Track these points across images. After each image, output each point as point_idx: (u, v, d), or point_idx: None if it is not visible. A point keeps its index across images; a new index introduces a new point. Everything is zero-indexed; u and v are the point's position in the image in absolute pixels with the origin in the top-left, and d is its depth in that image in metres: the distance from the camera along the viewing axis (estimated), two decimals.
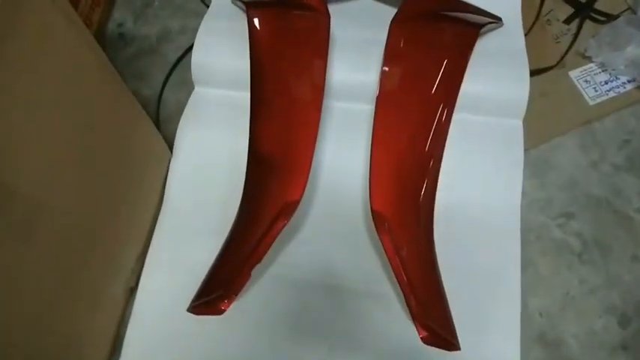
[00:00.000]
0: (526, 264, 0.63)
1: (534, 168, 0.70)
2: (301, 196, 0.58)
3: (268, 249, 0.57)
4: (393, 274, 0.56)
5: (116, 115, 0.56)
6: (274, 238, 0.57)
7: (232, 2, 0.75)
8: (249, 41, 0.68)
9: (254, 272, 0.57)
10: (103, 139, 0.54)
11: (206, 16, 0.74)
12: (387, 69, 0.64)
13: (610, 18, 0.77)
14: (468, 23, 0.69)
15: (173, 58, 0.77)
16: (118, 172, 0.59)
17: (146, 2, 0.81)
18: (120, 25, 0.79)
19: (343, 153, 0.68)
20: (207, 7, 0.77)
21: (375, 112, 0.63)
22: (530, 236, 0.66)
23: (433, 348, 0.56)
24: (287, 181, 0.61)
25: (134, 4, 0.81)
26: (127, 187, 0.61)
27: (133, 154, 0.61)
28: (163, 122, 0.73)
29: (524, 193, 0.65)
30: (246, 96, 0.66)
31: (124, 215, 0.61)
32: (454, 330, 0.57)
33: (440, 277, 0.60)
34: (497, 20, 0.72)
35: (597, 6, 0.78)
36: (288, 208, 0.58)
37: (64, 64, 0.45)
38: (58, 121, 0.46)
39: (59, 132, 0.47)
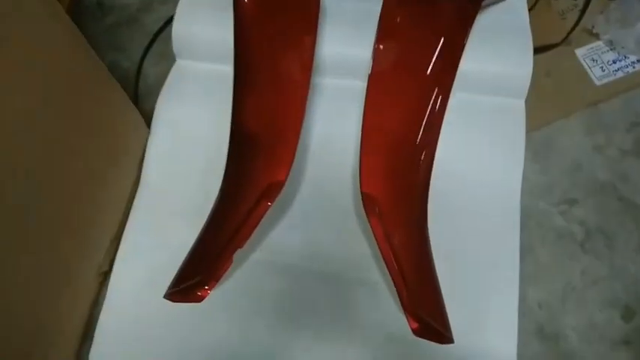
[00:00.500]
0: (525, 252, 0.60)
1: (536, 151, 0.66)
2: (287, 176, 0.55)
3: (251, 232, 0.54)
4: (383, 261, 0.53)
5: (88, 89, 0.52)
6: (258, 221, 0.54)
7: None
8: (234, 11, 0.64)
9: (236, 257, 0.54)
10: (73, 113, 0.51)
11: None
12: (380, 45, 0.61)
13: None
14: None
15: (154, 28, 0.72)
16: (89, 148, 0.55)
17: None
18: None
19: (333, 131, 0.65)
20: None
21: (366, 90, 0.59)
22: (531, 223, 0.63)
23: (425, 340, 0.52)
24: (272, 160, 0.57)
25: None
26: (100, 165, 0.57)
27: (106, 131, 0.57)
28: (142, 97, 0.69)
29: (524, 178, 0.61)
30: (230, 70, 0.62)
31: (97, 195, 0.58)
32: (447, 322, 0.53)
33: (433, 265, 0.56)
34: None
35: None
36: (273, 189, 0.55)
37: (28, 34, 0.41)
38: (23, 92, 0.43)
39: (25, 104, 0.43)
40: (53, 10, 0.45)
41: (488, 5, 0.68)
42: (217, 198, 0.59)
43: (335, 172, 0.63)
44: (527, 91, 0.65)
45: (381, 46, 0.61)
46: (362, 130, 0.57)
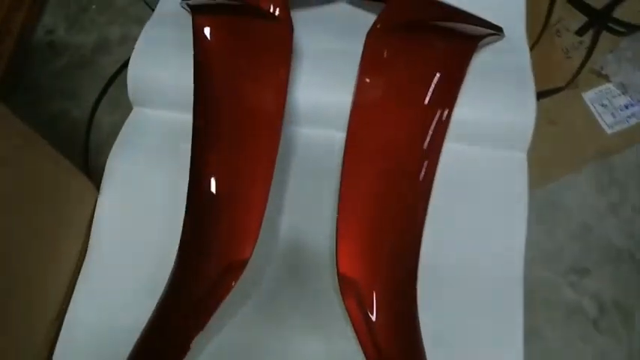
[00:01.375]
0: (531, 334, 0.53)
1: (541, 212, 0.60)
2: (251, 252, 0.48)
3: (211, 316, 0.48)
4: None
5: (16, 162, 0.44)
6: (219, 304, 0.48)
7: (181, 6, 0.64)
8: (194, 54, 0.58)
9: (194, 344, 0.47)
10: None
11: (148, 23, 0.64)
12: (360, 91, 0.55)
13: (631, 29, 0.68)
14: (462, 35, 0.59)
15: (109, 72, 0.65)
16: (23, 225, 0.47)
17: (82, 6, 0.70)
18: (50, 32, 0.68)
19: (307, 194, 0.58)
20: (153, 10, 0.66)
21: (345, 146, 0.52)
22: (536, 297, 0.56)
23: None
24: (235, 231, 0.50)
25: (68, 7, 0.70)
26: (38, 238, 0.50)
27: (39, 203, 0.49)
28: (94, 150, 0.62)
29: (528, 243, 0.55)
30: (191, 119, 0.55)
31: (31, 275, 0.50)
32: None
33: (423, 352, 0.49)
34: (497, 31, 0.60)
35: (615, 14, 0.69)
36: (236, 267, 0.48)
37: None
38: None
39: None
40: None
41: (485, 43, 0.61)
42: (172, 274, 0.52)
43: (308, 244, 0.55)
44: (529, 143, 0.58)
45: (362, 94, 0.55)
46: (339, 194, 0.51)
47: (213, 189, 0.53)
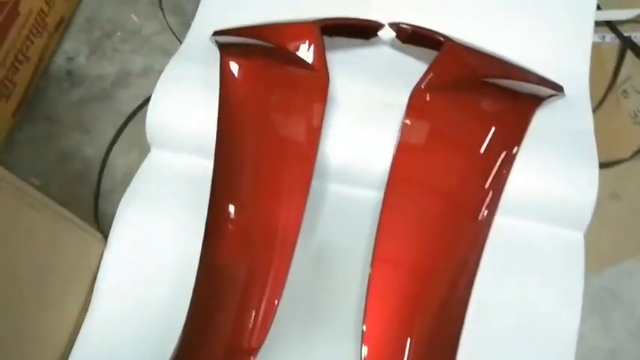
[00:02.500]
0: None
1: (596, 302, 0.52)
2: (262, 342, 0.42)
3: None
4: None
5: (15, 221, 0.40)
6: None
7: (211, 41, 0.58)
8: (220, 97, 0.52)
9: None
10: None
11: (174, 57, 0.59)
12: (401, 154, 0.48)
13: None
14: (519, 97, 0.52)
15: (129, 108, 0.60)
16: (16, 284, 0.42)
17: (106, 32, 0.65)
18: (70, 59, 0.64)
19: (335, 264, 0.51)
20: (181, 42, 0.61)
21: (380, 213, 0.46)
22: None
23: None
24: (247, 315, 0.44)
25: (91, 33, 0.65)
26: (37, 294, 0.45)
27: (32, 258, 0.45)
28: (105, 194, 0.57)
29: (580, 338, 0.48)
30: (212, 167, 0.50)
31: (33, 330, 0.46)
32: None
33: None
34: (557, 90, 0.54)
35: None
36: (244, 356, 0.42)
37: None
38: None
39: None
40: None
41: (543, 104, 0.54)
42: (176, 350, 0.46)
43: (330, 328, 0.49)
44: (588, 221, 0.51)
45: (404, 158, 0.49)
46: (371, 268, 0.45)
47: (227, 260, 0.47)
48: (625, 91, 0.61)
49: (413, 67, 0.55)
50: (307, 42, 0.52)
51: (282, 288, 0.44)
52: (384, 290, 0.44)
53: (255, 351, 0.42)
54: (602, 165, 0.56)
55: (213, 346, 0.44)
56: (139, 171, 0.57)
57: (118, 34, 0.66)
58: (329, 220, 0.54)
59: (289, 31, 0.55)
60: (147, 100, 0.61)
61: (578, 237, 0.52)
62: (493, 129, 0.51)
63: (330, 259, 0.51)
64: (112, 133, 0.60)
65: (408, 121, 0.49)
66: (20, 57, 0.58)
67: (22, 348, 0.47)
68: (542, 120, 0.54)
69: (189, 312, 0.46)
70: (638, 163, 0.57)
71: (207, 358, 0.44)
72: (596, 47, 0.61)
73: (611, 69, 0.61)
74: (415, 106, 0.49)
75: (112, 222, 0.54)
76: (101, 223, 0.56)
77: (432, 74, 0.50)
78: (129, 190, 0.56)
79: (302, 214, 0.46)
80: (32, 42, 0.59)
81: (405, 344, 0.43)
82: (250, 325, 0.43)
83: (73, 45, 0.65)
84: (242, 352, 0.43)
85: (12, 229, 0.41)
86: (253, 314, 0.43)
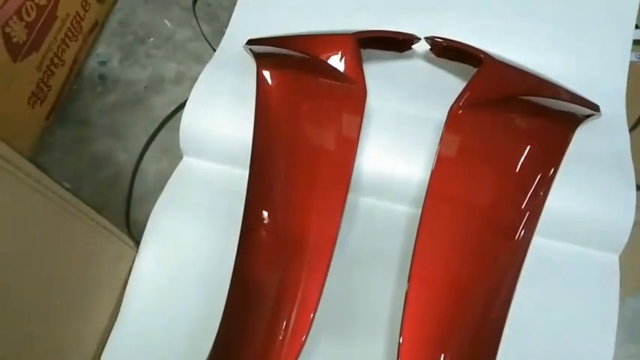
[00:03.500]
0: None
1: (632, 327, 0.51)
2: (297, 357, 0.41)
3: None
4: None
5: (44, 227, 0.40)
6: None
7: (245, 49, 0.58)
8: (256, 106, 0.52)
9: None
10: (26, 254, 0.38)
11: (208, 65, 0.58)
12: (438, 172, 0.47)
13: None
14: (557, 117, 0.51)
15: (162, 114, 0.60)
16: (51, 289, 0.42)
17: (139, 37, 0.65)
18: (103, 63, 0.64)
19: (367, 277, 0.50)
20: (214, 50, 0.61)
21: (418, 230, 0.45)
22: None
23: None
24: (280, 332, 0.43)
25: (124, 37, 0.65)
26: (69, 298, 0.45)
27: (68, 265, 0.45)
28: (137, 200, 0.57)
29: None
30: (247, 176, 0.50)
31: (65, 334, 0.46)
32: None
33: None
34: (594, 110, 0.53)
35: None
36: None
37: None
38: None
39: None
40: None
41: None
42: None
43: (366, 330, 0.48)
44: (624, 244, 0.50)
45: (442, 174, 0.47)
46: (409, 283, 0.43)
47: (260, 273, 0.47)
48: None
49: (447, 83, 0.55)
50: (344, 54, 0.51)
51: (317, 302, 0.43)
52: (420, 307, 0.43)
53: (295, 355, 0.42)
54: (638, 187, 0.55)
55: (250, 348, 0.44)
56: (172, 178, 0.57)
57: (151, 39, 0.66)
58: (361, 234, 0.53)
59: (326, 43, 0.54)
60: (180, 107, 0.61)
61: (613, 259, 0.51)
62: (531, 148, 0.50)
63: (362, 272, 0.50)
64: (144, 139, 0.60)
65: (446, 138, 0.48)
66: (56, 60, 0.58)
67: (56, 351, 0.47)
68: (578, 140, 0.53)
69: (221, 323, 0.46)
70: None
71: None
72: (633, 66, 0.60)
73: None
74: (454, 123, 0.48)
75: (143, 228, 0.54)
76: (132, 229, 0.56)
77: (471, 91, 0.49)
78: (161, 197, 0.55)
79: (338, 227, 0.46)
80: (68, 46, 0.59)
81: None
82: (284, 340, 0.42)
83: (106, 49, 0.65)
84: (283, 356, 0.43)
85: (55, 236, 0.41)
86: (287, 328, 0.42)
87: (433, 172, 0.48)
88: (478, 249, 0.48)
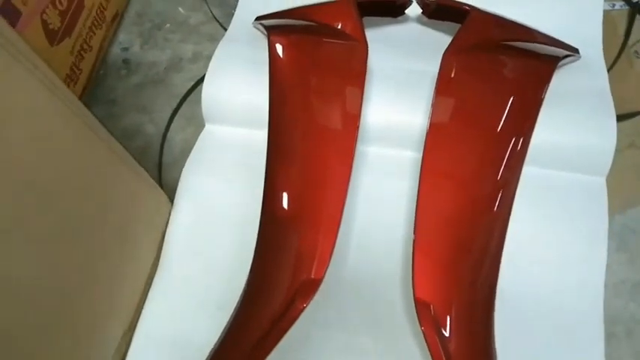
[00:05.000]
0: None
1: (621, 239, 0.56)
2: (324, 273, 0.47)
3: (282, 337, 0.46)
4: None
5: (96, 169, 0.45)
6: (289, 326, 0.46)
7: (254, 26, 0.64)
8: (270, 72, 0.58)
9: None
10: (80, 194, 0.43)
11: (222, 42, 0.64)
12: (437, 111, 0.52)
13: None
14: (539, 56, 0.57)
15: (183, 90, 0.66)
16: (98, 233, 0.48)
17: (156, 24, 0.71)
18: (125, 49, 0.69)
19: (379, 213, 0.56)
20: (225, 30, 0.67)
21: (421, 168, 0.50)
22: (619, 330, 0.52)
23: None
24: (308, 252, 0.49)
25: (143, 25, 0.71)
26: (112, 249, 0.50)
27: (119, 211, 0.50)
28: (167, 166, 0.63)
29: (608, 272, 0.51)
30: (265, 136, 0.55)
31: (106, 283, 0.50)
32: None
33: None
34: (573, 52, 0.58)
35: None
36: (308, 288, 0.47)
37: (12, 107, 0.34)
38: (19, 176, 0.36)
39: (20, 190, 0.36)
40: (41, 77, 0.38)
41: (560, 66, 0.59)
42: (244, 291, 0.51)
43: (380, 266, 0.54)
44: (609, 167, 0.55)
45: (439, 113, 0.52)
46: (415, 220, 0.49)
47: (286, 208, 0.52)
48: (636, 52, 0.65)
49: (440, 40, 0.60)
50: (345, 16, 0.57)
51: (339, 221, 0.48)
52: (430, 220, 0.49)
53: (318, 282, 0.46)
54: (620, 118, 0.60)
55: (278, 285, 0.49)
56: (197, 143, 0.62)
57: (167, 25, 0.71)
58: (372, 178, 0.59)
59: (328, 9, 0.59)
60: (199, 82, 0.66)
61: (600, 182, 0.56)
62: (518, 85, 0.55)
63: (375, 208, 0.56)
64: (169, 112, 0.65)
65: (441, 81, 0.53)
66: (85, 46, 0.64)
67: (103, 295, 0.52)
68: (562, 80, 0.58)
69: (254, 257, 0.51)
70: None
71: (273, 298, 0.49)
72: (607, 14, 0.66)
73: (622, 33, 0.65)
74: (447, 67, 0.54)
75: (174, 190, 0.60)
76: (165, 190, 0.61)
77: (460, 38, 0.54)
78: (189, 159, 0.61)
79: (350, 167, 0.51)
80: (94, 33, 0.65)
81: (452, 263, 0.48)
82: (311, 259, 0.47)
83: (127, 36, 0.71)
84: (305, 286, 0.48)
85: (99, 179, 0.46)
86: (314, 248, 0.48)
87: (432, 112, 0.53)
88: (476, 179, 0.53)
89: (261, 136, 0.56)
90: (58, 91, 0.37)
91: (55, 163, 0.40)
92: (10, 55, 0.31)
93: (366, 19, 0.62)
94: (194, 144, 0.61)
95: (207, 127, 0.63)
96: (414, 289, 0.46)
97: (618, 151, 0.55)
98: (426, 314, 0.46)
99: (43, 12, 0.56)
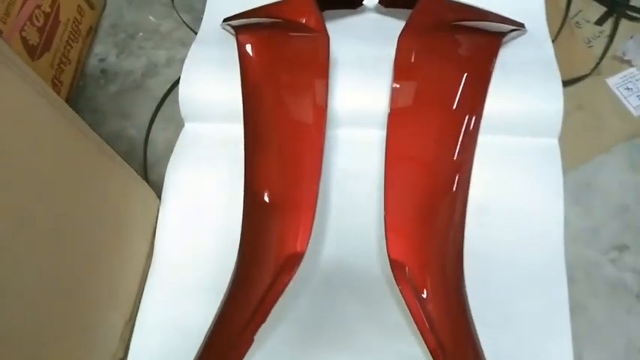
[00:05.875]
0: (576, 309, 0.54)
1: (576, 193, 0.61)
2: (306, 245, 0.51)
3: (272, 308, 0.50)
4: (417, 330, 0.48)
5: (86, 169, 0.48)
6: (278, 296, 0.50)
7: (222, 27, 0.68)
8: (240, 69, 0.62)
9: (257, 336, 0.50)
10: (72, 194, 0.47)
11: (193, 45, 0.68)
12: (397, 89, 0.57)
13: None
14: (486, 33, 0.61)
15: (160, 93, 0.70)
16: (95, 232, 0.51)
17: (130, 34, 0.74)
18: (102, 59, 0.73)
19: (353, 189, 0.61)
20: (196, 34, 0.70)
21: (386, 141, 0.55)
22: (578, 274, 0.57)
23: None
24: (289, 228, 0.53)
25: (117, 36, 0.74)
26: (108, 246, 0.54)
27: (113, 209, 0.53)
28: (151, 165, 0.66)
29: (566, 223, 0.56)
30: (241, 128, 0.59)
31: (106, 278, 0.54)
32: None
33: (474, 332, 0.51)
34: (519, 27, 0.63)
35: (633, 2, 0.70)
36: (293, 261, 0.51)
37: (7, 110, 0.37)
38: (16, 178, 0.39)
39: (18, 192, 0.40)
40: (31, 81, 0.41)
41: (510, 40, 0.64)
42: (234, 271, 0.55)
43: (358, 236, 0.58)
44: (560, 129, 0.60)
45: (399, 91, 0.57)
46: (384, 187, 0.53)
47: (267, 192, 0.55)
48: (578, 23, 0.70)
49: (397, 26, 0.64)
50: (306, 10, 0.61)
51: (316, 198, 0.52)
52: (398, 186, 0.53)
53: (301, 255, 0.50)
54: (566, 83, 0.65)
55: (264, 262, 0.53)
56: (179, 141, 0.65)
57: (140, 34, 0.75)
58: (344, 157, 0.63)
59: (289, 6, 0.63)
60: (175, 84, 0.70)
61: (553, 142, 0.60)
62: (470, 61, 0.60)
63: (349, 183, 0.60)
64: (149, 115, 0.68)
65: (399, 61, 0.57)
66: (64, 59, 0.67)
67: (103, 288, 0.55)
68: (512, 54, 0.63)
69: (241, 239, 0.55)
70: (596, 79, 0.66)
71: (260, 274, 0.53)
72: None
73: (563, 6, 0.70)
74: (403, 49, 0.58)
75: (161, 187, 0.63)
76: (152, 189, 0.64)
77: (413, 20, 0.58)
78: (172, 156, 0.64)
79: (322, 149, 0.55)
80: (71, 46, 0.68)
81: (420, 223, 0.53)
82: (294, 235, 0.51)
83: (103, 48, 0.74)
84: (289, 260, 0.51)
85: (92, 178, 0.50)
86: (295, 225, 0.51)
87: (393, 90, 0.57)
88: (437, 149, 0.58)
89: (238, 129, 0.59)
90: (48, 96, 0.40)
91: (51, 163, 0.43)
92: (1, 63, 0.35)
93: (327, 13, 0.67)
94: (175, 143, 0.65)
95: (187, 125, 0.66)
96: (388, 250, 0.50)
97: (568, 113, 0.60)
98: (401, 274, 0.50)
99: (22, 29, 0.59)
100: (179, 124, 0.65)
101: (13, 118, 0.38)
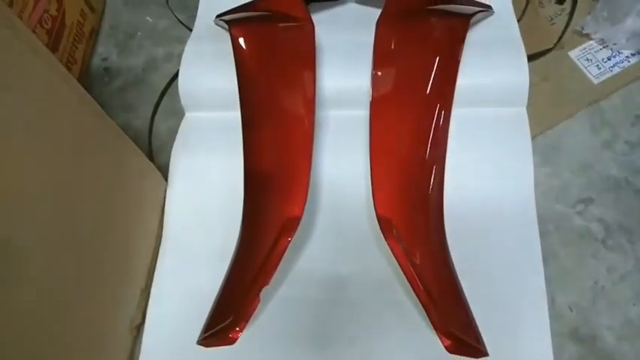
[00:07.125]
0: (548, 257, 0.60)
1: (544, 155, 0.67)
2: (302, 211, 0.56)
3: (275, 269, 0.55)
4: (407, 281, 0.54)
5: (103, 150, 0.54)
6: (280, 258, 0.55)
7: (215, 23, 0.74)
8: (235, 60, 0.67)
9: (263, 295, 0.55)
10: (87, 175, 0.52)
11: (189, 41, 0.73)
12: (377, 71, 0.63)
13: None
14: (456, 15, 0.67)
15: (161, 86, 0.75)
16: (111, 208, 0.57)
17: (129, 33, 0.80)
18: (104, 59, 0.78)
19: (342, 162, 0.66)
20: (191, 30, 0.76)
21: (370, 117, 0.61)
22: (549, 227, 0.63)
23: (458, 357, 0.52)
24: (286, 197, 0.59)
25: (117, 36, 0.80)
26: (123, 222, 0.59)
27: (126, 189, 0.59)
28: (156, 152, 0.72)
29: (537, 183, 0.62)
30: (238, 115, 0.65)
31: (122, 251, 0.59)
32: (479, 335, 0.53)
33: (458, 280, 0.57)
34: (486, 8, 0.70)
35: None
36: (291, 225, 0.56)
37: (33, 99, 0.43)
38: (36, 161, 0.44)
39: (40, 174, 0.45)
40: (57, 71, 0.46)
41: (478, 21, 0.70)
42: (238, 240, 0.60)
43: (349, 200, 0.64)
44: (527, 98, 0.66)
45: (379, 73, 0.63)
46: (370, 155, 0.59)
47: (264, 165, 0.61)
48: (541, 2, 0.76)
49: (377, 14, 0.71)
50: (292, 3, 0.67)
51: (309, 168, 0.58)
52: (382, 155, 0.59)
53: (299, 218, 0.55)
54: (532, 57, 0.71)
55: (265, 227, 0.58)
56: (181, 129, 0.70)
57: (139, 33, 0.80)
58: (332, 134, 0.68)
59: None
60: (174, 77, 0.75)
61: (521, 111, 0.66)
62: (441, 42, 0.66)
63: (339, 156, 0.66)
64: (151, 107, 0.73)
65: (378, 45, 0.63)
66: (71, 59, 0.72)
67: (119, 260, 0.61)
68: (481, 33, 0.68)
69: (243, 209, 0.60)
70: (559, 52, 0.72)
71: (262, 238, 0.59)
72: None
73: None
74: (380, 33, 0.64)
75: (166, 171, 0.69)
76: None
77: (388, 6, 0.64)
78: (176, 142, 0.68)
79: (312, 129, 0.60)
80: (77, 47, 0.74)
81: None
82: (291, 201, 0.56)
83: (105, 48, 0.80)
84: (289, 221, 0.56)
85: (110, 160, 0.55)
86: (291, 192, 0.57)
87: (373, 74, 0.63)
88: (415, 121, 0.64)
89: (235, 115, 0.65)
90: (71, 82, 0.46)
91: (75, 142, 0.49)
92: (31, 52, 0.41)
93: (312, 5, 0.73)
94: (177, 130, 0.70)
95: (187, 114, 0.72)
96: (375, 208, 0.56)
97: (534, 84, 0.66)
98: (388, 229, 0.55)
99: (33, 31, 0.65)
100: (180, 114, 0.70)
101: (45, 103, 0.43)
